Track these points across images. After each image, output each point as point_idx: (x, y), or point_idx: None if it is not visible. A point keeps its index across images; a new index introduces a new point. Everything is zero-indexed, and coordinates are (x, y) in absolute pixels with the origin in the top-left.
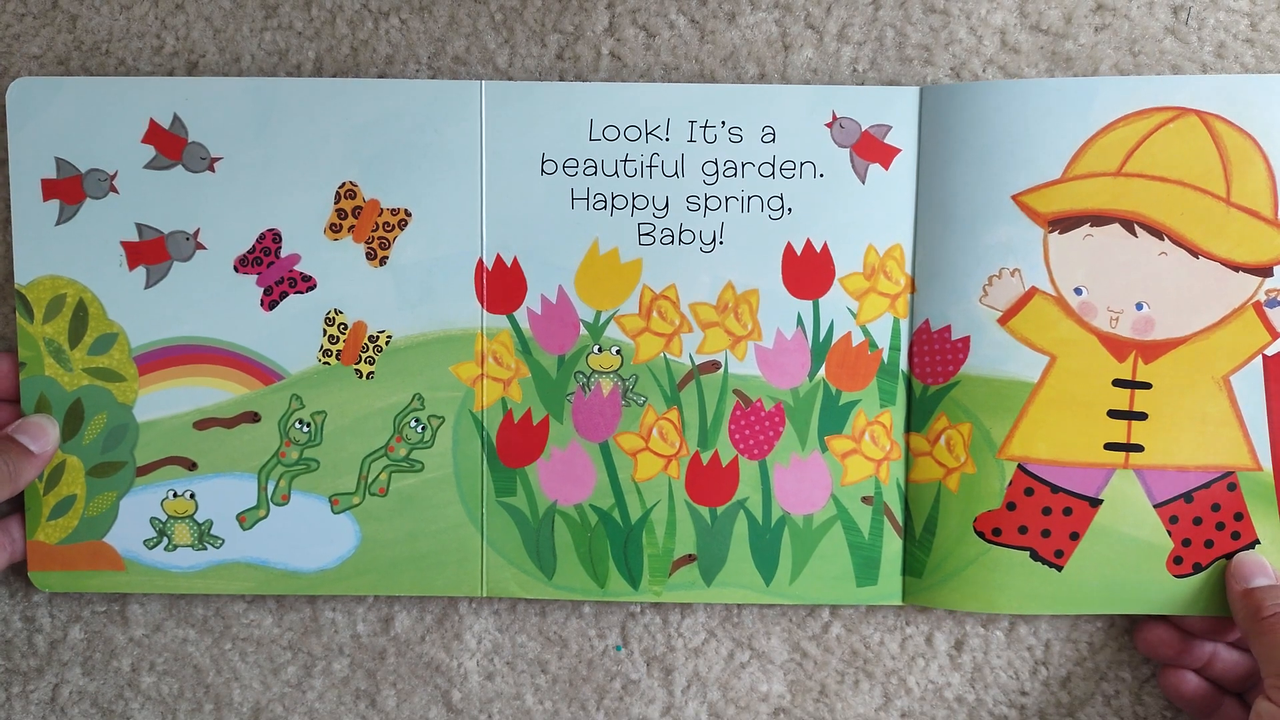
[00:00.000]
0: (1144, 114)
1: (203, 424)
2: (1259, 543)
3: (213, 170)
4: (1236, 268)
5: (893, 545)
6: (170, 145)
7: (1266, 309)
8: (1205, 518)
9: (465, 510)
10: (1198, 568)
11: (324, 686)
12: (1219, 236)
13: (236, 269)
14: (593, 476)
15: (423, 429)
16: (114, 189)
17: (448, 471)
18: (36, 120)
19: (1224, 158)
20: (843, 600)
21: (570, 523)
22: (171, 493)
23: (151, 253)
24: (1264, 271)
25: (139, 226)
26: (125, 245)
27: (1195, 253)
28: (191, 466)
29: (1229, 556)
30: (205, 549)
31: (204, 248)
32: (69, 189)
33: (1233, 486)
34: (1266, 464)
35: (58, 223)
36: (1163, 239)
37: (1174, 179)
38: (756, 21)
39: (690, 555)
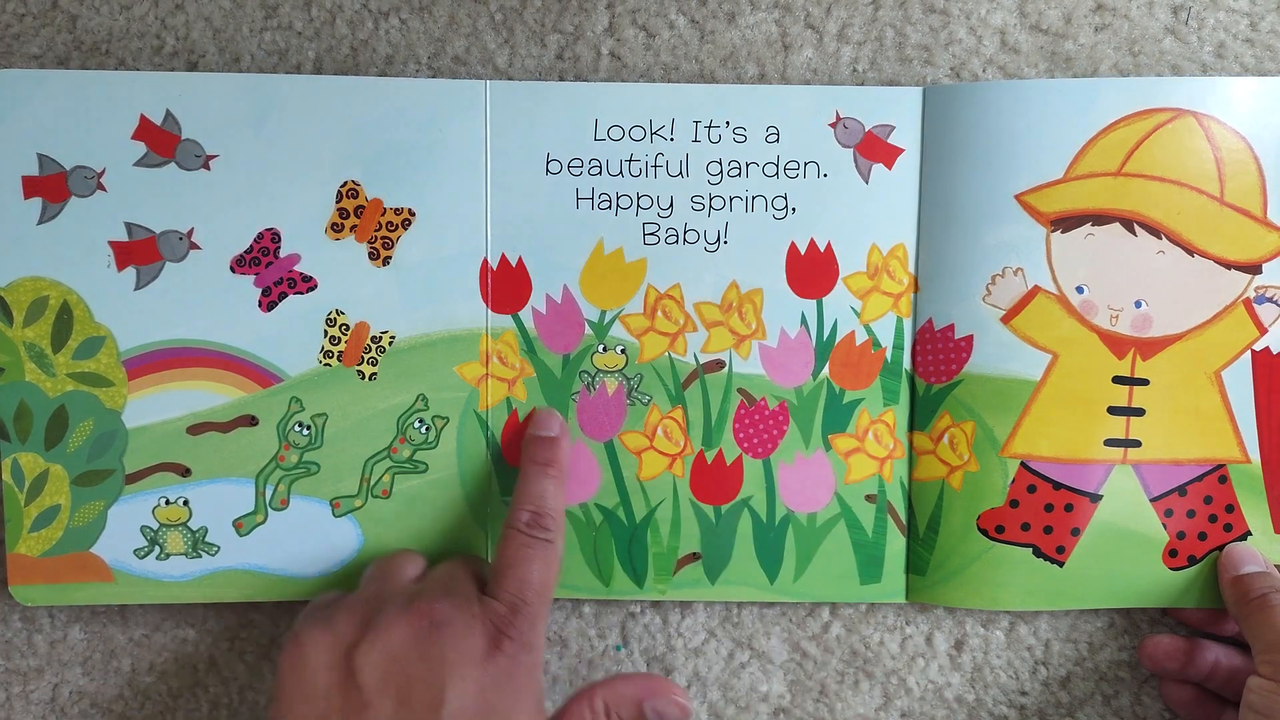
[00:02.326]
0: (1144, 114)
1: (196, 429)
2: (1250, 534)
3: (208, 168)
4: (1228, 265)
5: (896, 543)
6: (162, 142)
7: (1255, 305)
8: (1198, 510)
9: (470, 510)
10: (1192, 560)
11: None
12: (1213, 235)
13: (233, 269)
14: (597, 475)
15: (427, 430)
16: (101, 187)
17: (452, 472)
18: (18, 115)
19: (1218, 158)
20: (846, 598)
21: (575, 522)
22: (163, 500)
23: (142, 253)
24: (1253, 269)
25: (128, 226)
26: (114, 245)
27: (1191, 251)
28: (185, 473)
29: (1221, 549)
30: (200, 557)
31: (198, 248)
32: (52, 186)
33: (1224, 479)
34: (1255, 456)
35: (40, 222)
36: (1160, 238)
37: (1172, 179)
38: (756, 21)
39: (695, 554)
